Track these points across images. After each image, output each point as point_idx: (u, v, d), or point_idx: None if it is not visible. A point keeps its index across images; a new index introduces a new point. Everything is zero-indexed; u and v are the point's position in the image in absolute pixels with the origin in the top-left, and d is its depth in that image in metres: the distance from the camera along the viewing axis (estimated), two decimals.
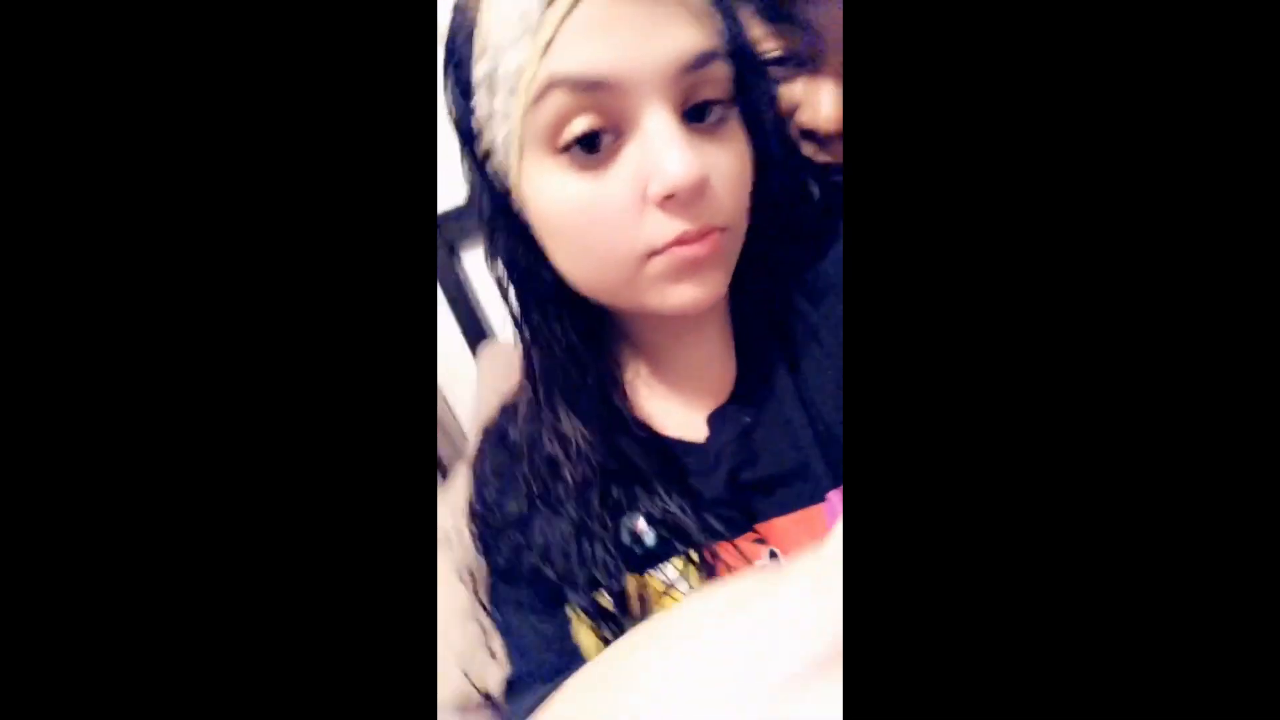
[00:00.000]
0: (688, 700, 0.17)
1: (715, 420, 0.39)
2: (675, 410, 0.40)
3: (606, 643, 0.38)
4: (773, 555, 0.37)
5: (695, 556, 0.37)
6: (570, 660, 0.38)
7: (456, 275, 1.10)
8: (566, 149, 0.31)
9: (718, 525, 0.36)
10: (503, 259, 0.37)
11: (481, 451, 0.45)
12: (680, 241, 0.31)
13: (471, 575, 0.44)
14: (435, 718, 0.24)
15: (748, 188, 0.34)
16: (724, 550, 0.36)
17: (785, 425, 0.37)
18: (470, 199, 0.37)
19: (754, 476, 0.37)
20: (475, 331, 1.11)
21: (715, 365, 0.40)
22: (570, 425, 0.38)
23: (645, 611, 0.38)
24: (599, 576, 0.38)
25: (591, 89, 0.29)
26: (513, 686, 0.40)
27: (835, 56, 0.40)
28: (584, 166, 0.31)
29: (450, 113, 0.35)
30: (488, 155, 0.34)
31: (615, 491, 0.38)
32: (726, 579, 0.19)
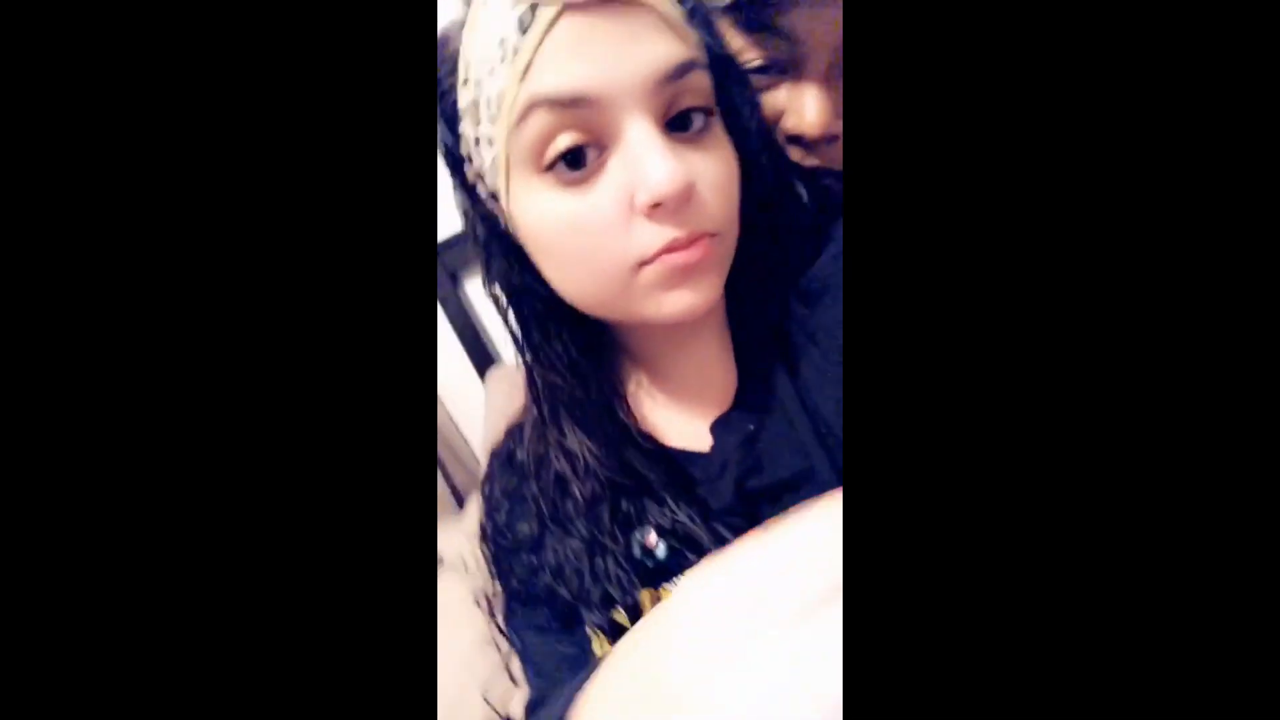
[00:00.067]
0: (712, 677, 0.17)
1: (718, 428, 0.39)
2: (678, 420, 0.40)
3: None
4: None
5: None
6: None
7: (460, 303, 1.11)
8: (552, 167, 0.31)
9: (728, 534, 0.36)
10: (499, 281, 0.37)
11: (490, 474, 0.45)
12: (670, 249, 0.31)
13: (487, 600, 0.44)
14: None
15: (735, 193, 0.34)
16: None
17: (788, 430, 0.36)
18: (465, 225, 0.38)
19: (760, 484, 0.37)
20: (482, 358, 1.12)
21: (715, 373, 0.40)
22: (576, 441, 0.38)
23: None
24: (613, 593, 0.37)
25: (572, 105, 0.30)
26: (535, 709, 0.40)
27: (816, 62, 0.41)
28: (570, 183, 0.31)
29: (439, 143, 0.36)
30: (477, 180, 0.35)
31: (625, 505, 0.38)
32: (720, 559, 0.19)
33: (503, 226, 0.35)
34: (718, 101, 0.34)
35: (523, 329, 0.38)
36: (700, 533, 0.36)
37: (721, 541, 0.36)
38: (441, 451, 1.13)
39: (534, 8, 0.29)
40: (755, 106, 0.40)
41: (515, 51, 0.30)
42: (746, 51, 0.41)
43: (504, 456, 0.45)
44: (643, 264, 0.32)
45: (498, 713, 0.46)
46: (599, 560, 0.38)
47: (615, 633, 0.37)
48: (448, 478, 1.12)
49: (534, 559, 0.41)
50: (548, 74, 0.30)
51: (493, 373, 1.07)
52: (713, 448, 0.38)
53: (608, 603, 0.38)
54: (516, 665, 0.42)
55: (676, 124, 0.32)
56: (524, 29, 0.30)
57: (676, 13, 0.32)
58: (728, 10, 0.39)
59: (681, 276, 0.32)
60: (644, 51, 0.30)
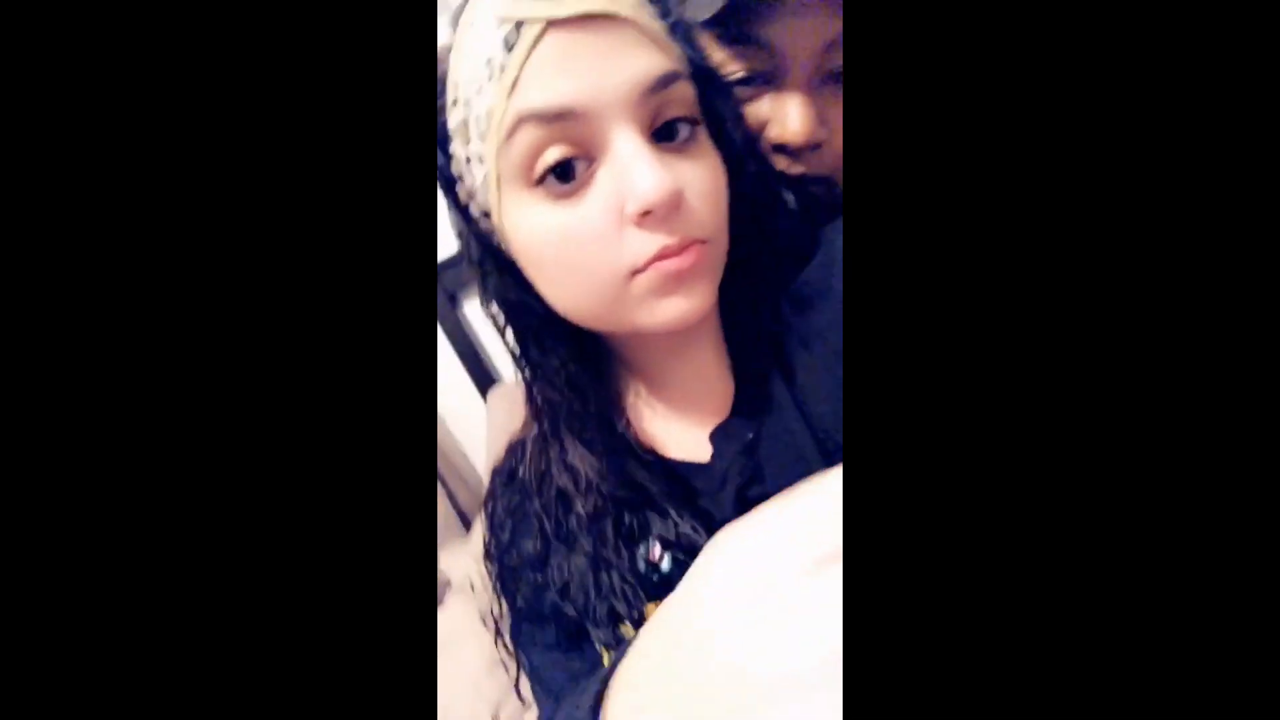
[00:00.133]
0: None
1: (718, 437, 0.39)
2: (677, 430, 0.40)
3: None
4: None
5: None
6: None
7: (459, 323, 1.11)
8: (541, 181, 0.32)
9: None
10: (495, 298, 0.38)
11: (492, 493, 0.45)
12: (662, 256, 0.32)
13: (494, 619, 0.44)
14: None
15: (724, 200, 0.35)
16: None
17: (787, 436, 0.36)
18: (460, 246, 0.38)
19: (761, 493, 0.37)
20: (483, 378, 1.12)
21: (712, 381, 0.40)
22: (577, 456, 0.38)
23: None
24: (619, 608, 0.37)
25: (559, 119, 0.30)
26: None
27: (796, 72, 0.41)
28: (560, 196, 0.32)
29: None
30: (470, 199, 0.35)
31: (628, 519, 0.38)
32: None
33: (496, 244, 0.36)
34: (702, 112, 0.34)
35: (520, 345, 0.39)
36: (704, 544, 0.36)
37: None
38: (445, 474, 1.12)
39: (519, 26, 0.30)
40: (739, 117, 0.41)
41: (502, 69, 0.30)
42: (728, 64, 0.42)
43: (506, 474, 0.45)
44: (635, 273, 0.32)
45: None
46: (604, 575, 0.38)
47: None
48: (452, 500, 1.12)
49: (539, 577, 0.40)
50: (534, 89, 0.30)
51: (494, 391, 1.07)
52: (713, 457, 0.38)
53: (614, 618, 0.37)
54: (525, 684, 0.42)
55: (663, 134, 0.32)
56: (509, 47, 0.30)
57: (658, 27, 0.33)
58: (708, 24, 0.40)
59: (675, 283, 0.32)
60: (628, 64, 0.31)
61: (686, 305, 0.33)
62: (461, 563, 0.78)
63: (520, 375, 0.40)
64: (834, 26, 0.40)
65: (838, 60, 0.42)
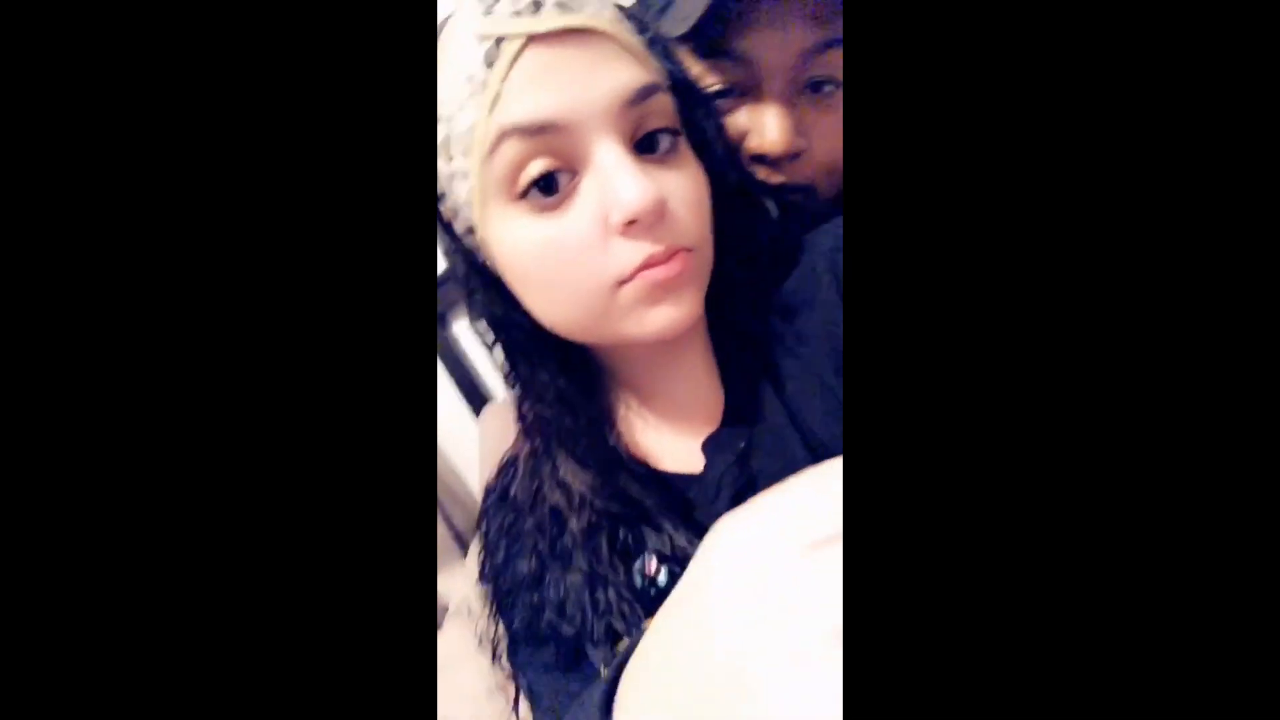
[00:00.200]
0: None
1: (710, 447, 0.38)
2: (669, 441, 0.40)
3: None
4: None
5: None
6: None
7: (448, 342, 1.11)
8: (525, 194, 0.32)
9: None
10: (484, 315, 0.38)
11: (485, 513, 0.45)
12: (648, 264, 0.32)
13: (491, 642, 0.43)
14: None
15: (707, 209, 0.35)
16: None
17: (778, 444, 0.36)
18: (448, 264, 0.38)
19: None
20: (475, 397, 1.12)
21: (702, 390, 0.40)
22: (569, 471, 0.38)
23: None
24: (616, 625, 0.37)
25: (541, 132, 0.30)
26: None
27: (772, 83, 0.42)
28: (544, 208, 0.32)
29: None
30: (454, 215, 0.35)
31: (622, 534, 0.38)
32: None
33: (481, 260, 0.36)
34: (682, 123, 0.34)
35: (510, 361, 0.38)
36: None
37: None
38: (441, 496, 1.11)
39: (499, 42, 0.30)
40: (720, 128, 0.41)
41: (483, 85, 0.31)
42: (706, 77, 0.43)
43: (499, 493, 0.44)
44: (622, 282, 0.32)
45: None
46: (600, 593, 0.37)
47: None
48: (449, 522, 1.11)
49: (535, 596, 0.40)
50: (516, 104, 0.30)
51: (486, 410, 1.06)
52: (705, 468, 0.38)
53: (612, 636, 0.37)
54: (524, 707, 0.41)
55: (644, 145, 0.32)
56: (490, 63, 0.30)
57: (636, 41, 0.33)
58: (684, 38, 0.40)
59: (662, 292, 0.32)
60: (608, 77, 0.31)
61: (675, 313, 0.33)
62: (459, 586, 0.77)
63: (510, 391, 0.40)
64: (809, 37, 0.41)
65: (813, 70, 0.42)
